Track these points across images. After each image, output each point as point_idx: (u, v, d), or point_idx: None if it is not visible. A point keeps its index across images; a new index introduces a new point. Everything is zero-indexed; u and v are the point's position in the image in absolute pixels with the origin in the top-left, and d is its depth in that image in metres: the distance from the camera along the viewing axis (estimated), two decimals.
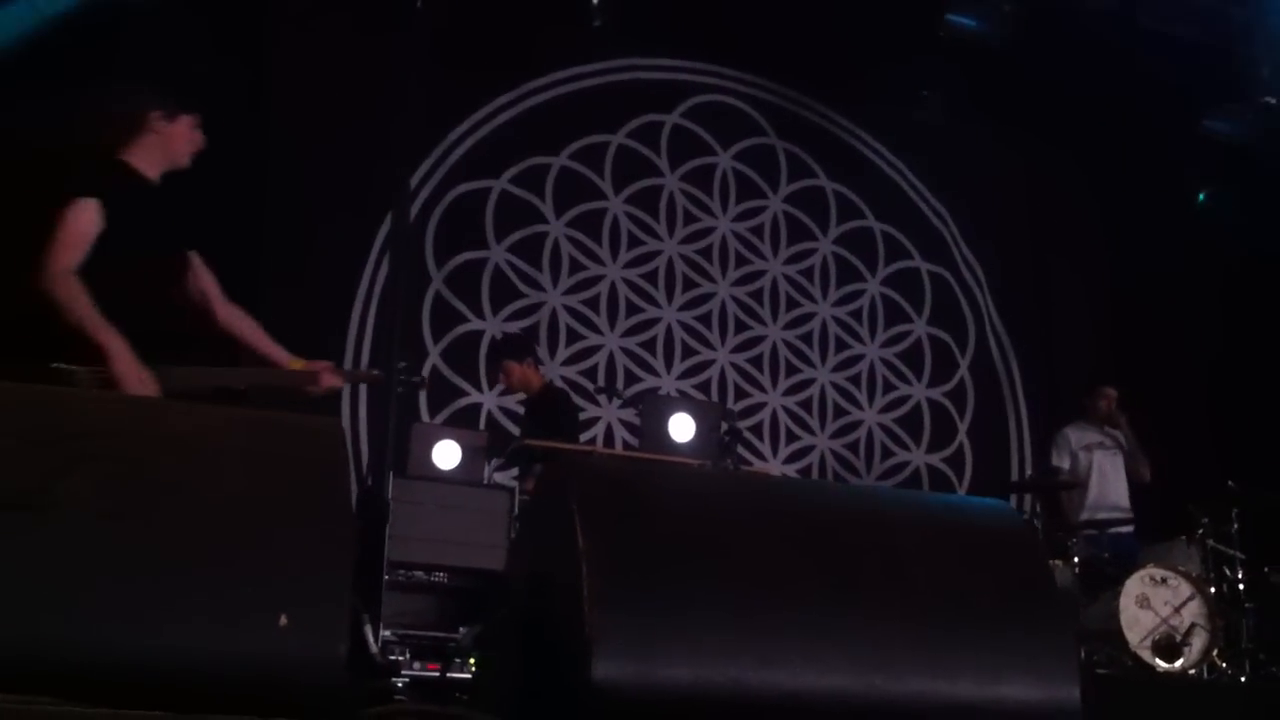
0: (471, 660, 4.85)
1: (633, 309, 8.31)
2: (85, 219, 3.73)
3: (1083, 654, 5.96)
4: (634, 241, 8.40)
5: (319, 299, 7.15)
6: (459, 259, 7.82)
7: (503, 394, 7.41)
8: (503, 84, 8.00)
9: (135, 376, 3.59)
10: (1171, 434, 8.01)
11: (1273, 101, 8.49)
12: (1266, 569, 6.89)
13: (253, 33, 6.94)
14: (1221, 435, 8.25)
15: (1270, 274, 8.85)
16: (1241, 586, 6.56)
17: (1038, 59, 8.25)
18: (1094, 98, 8.35)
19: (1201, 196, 9.17)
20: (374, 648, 2.79)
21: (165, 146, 4.02)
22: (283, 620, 2.36)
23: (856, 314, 8.99)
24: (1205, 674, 6.12)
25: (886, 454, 8.87)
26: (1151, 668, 6.00)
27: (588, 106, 8.28)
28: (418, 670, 5.10)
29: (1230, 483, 6.76)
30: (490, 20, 7.57)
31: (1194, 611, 6.15)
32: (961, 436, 9.09)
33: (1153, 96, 8.36)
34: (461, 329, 7.77)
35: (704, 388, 8.42)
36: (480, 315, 7.83)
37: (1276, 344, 8.74)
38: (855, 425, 8.82)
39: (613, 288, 8.27)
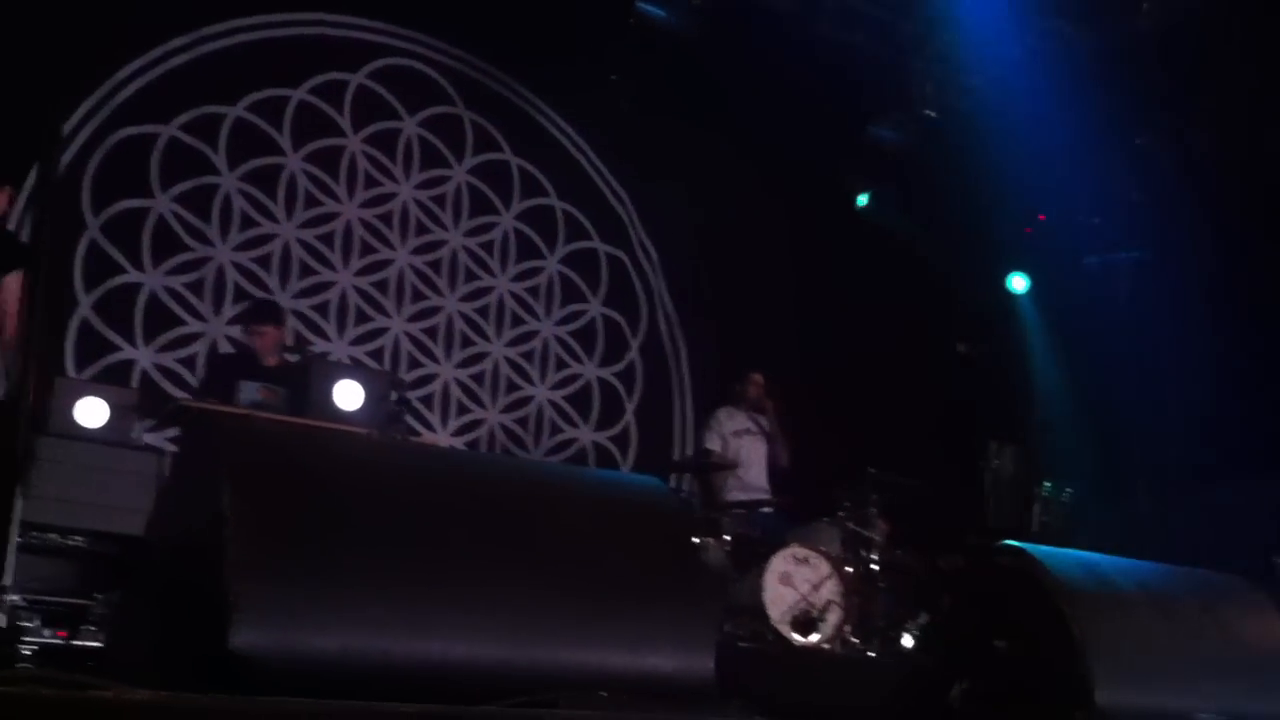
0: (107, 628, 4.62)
1: (306, 270, 8.08)
2: None
3: (728, 628, 6.23)
4: (311, 201, 8.15)
5: None
6: (118, 206, 7.39)
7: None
8: (177, 25, 7.58)
9: None
10: (818, 420, 8.45)
11: (933, 115, 9.09)
12: (899, 551, 7.36)
13: None
14: (865, 423, 8.76)
15: (921, 272, 9.48)
16: (876, 567, 6.99)
17: (721, 54, 8.52)
18: (770, 95, 8.69)
19: (862, 199, 9.70)
20: None
21: None
22: None
23: (534, 291, 9.04)
24: (839, 649, 6.50)
25: (555, 430, 8.99)
26: (789, 642, 6.33)
27: (269, 58, 7.96)
28: (47, 637, 4.80)
29: (871, 469, 7.19)
30: None
31: (831, 590, 6.53)
32: (629, 416, 9.30)
33: (824, 99, 8.78)
34: (118, 280, 7.36)
35: (377, 355, 8.29)
36: (140, 267, 7.43)
37: (923, 339, 9.37)
38: (526, 401, 8.89)
39: (286, 248, 8.00)
